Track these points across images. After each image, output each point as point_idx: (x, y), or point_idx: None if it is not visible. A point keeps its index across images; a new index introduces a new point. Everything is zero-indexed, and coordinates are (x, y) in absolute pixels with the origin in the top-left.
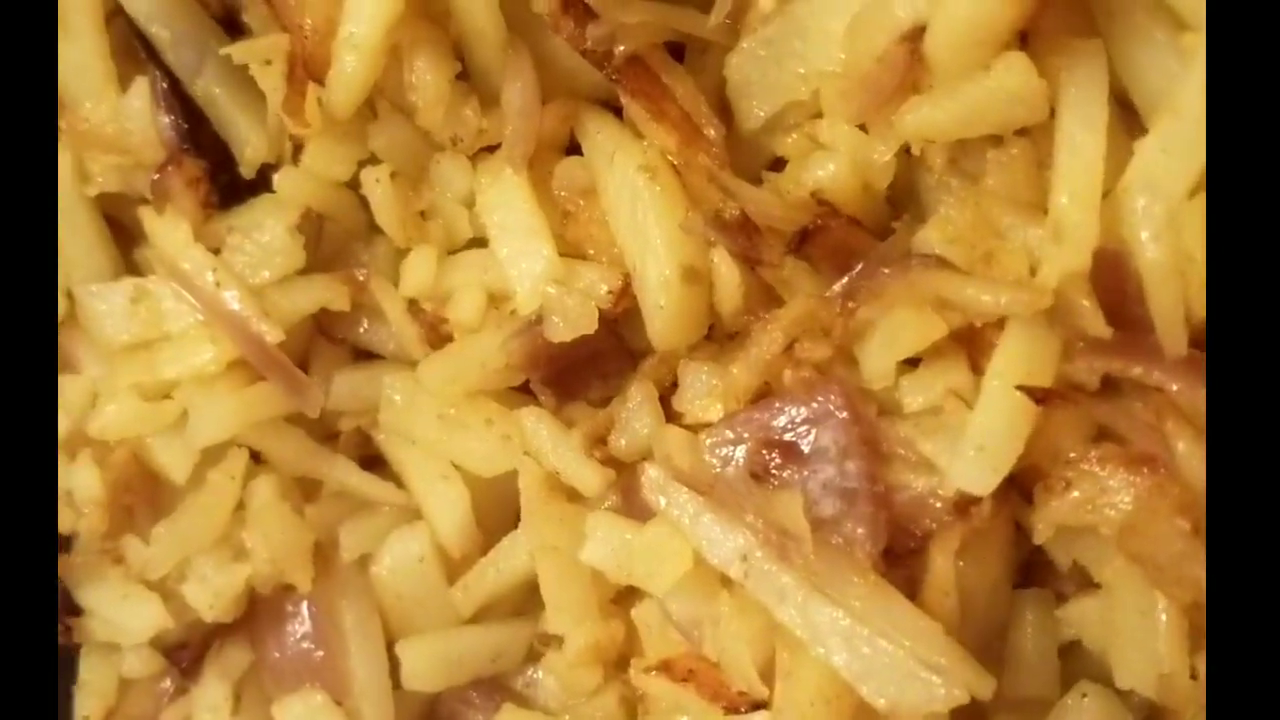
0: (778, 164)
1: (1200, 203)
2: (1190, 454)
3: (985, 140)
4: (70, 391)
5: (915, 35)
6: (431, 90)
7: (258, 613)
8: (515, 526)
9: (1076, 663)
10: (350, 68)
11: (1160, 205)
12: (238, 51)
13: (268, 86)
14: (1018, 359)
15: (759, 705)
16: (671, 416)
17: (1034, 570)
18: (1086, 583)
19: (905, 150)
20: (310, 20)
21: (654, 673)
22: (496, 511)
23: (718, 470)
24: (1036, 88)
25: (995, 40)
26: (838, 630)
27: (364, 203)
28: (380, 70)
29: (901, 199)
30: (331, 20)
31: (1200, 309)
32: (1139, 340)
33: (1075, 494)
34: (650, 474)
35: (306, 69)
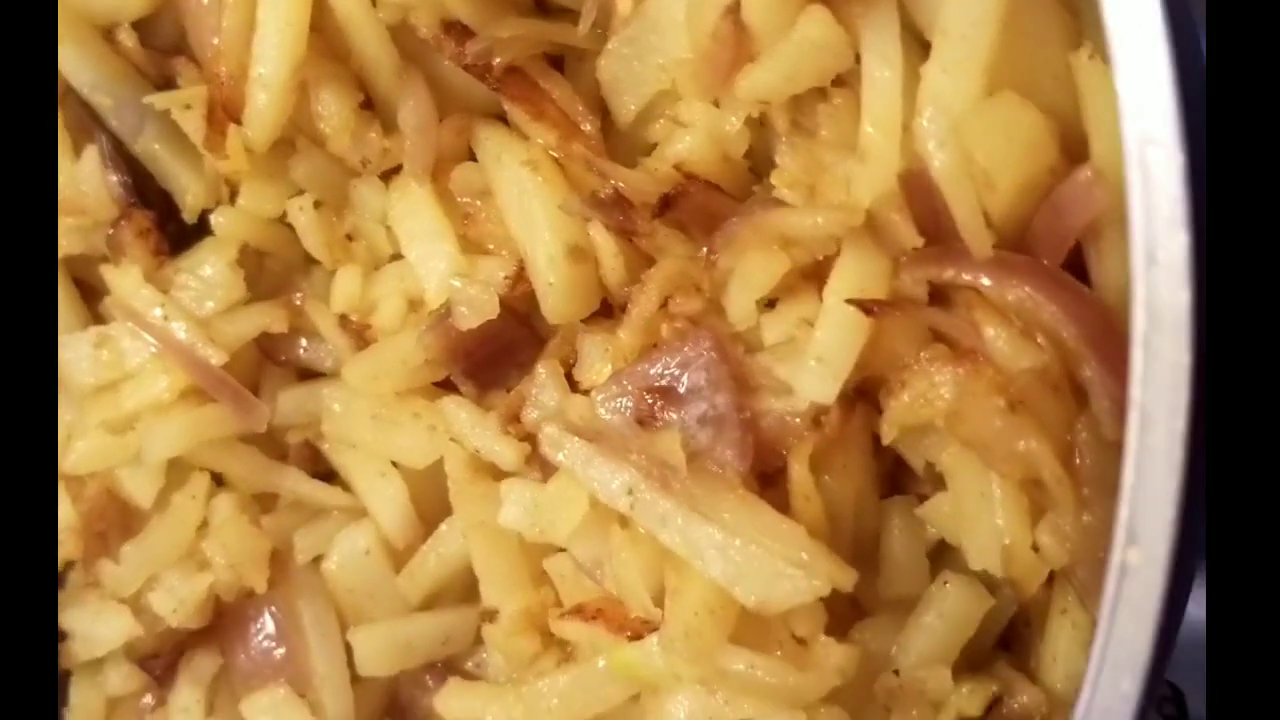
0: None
1: (980, 112)
2: (997, 337)
3: (814, 96)
4: None
5: (735, 8)
6: (337, 119)
7: (224, 620)
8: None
9: (945, 559)
10: (263, 105)
11: (943, 118)
12: (160, 100)
13: (190, 129)
14: (850, 277)
15: (656, 629)
16: (575, 387)
17: (897, 479)
18: (940, 483)
19: (760, 120)
20: (225, 67)
21: (569, 618)
22: (433, 501)
23: (608, 420)
24: (839, 36)
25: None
26: (713, 543)
27: (298, 236)
28: (291, 106)
29: (761, 165)
30: (243, 65)
31: (998, 212)
32: (952, 247)
33: (908, 393)
34: (546, 431)
35: (225, 110)
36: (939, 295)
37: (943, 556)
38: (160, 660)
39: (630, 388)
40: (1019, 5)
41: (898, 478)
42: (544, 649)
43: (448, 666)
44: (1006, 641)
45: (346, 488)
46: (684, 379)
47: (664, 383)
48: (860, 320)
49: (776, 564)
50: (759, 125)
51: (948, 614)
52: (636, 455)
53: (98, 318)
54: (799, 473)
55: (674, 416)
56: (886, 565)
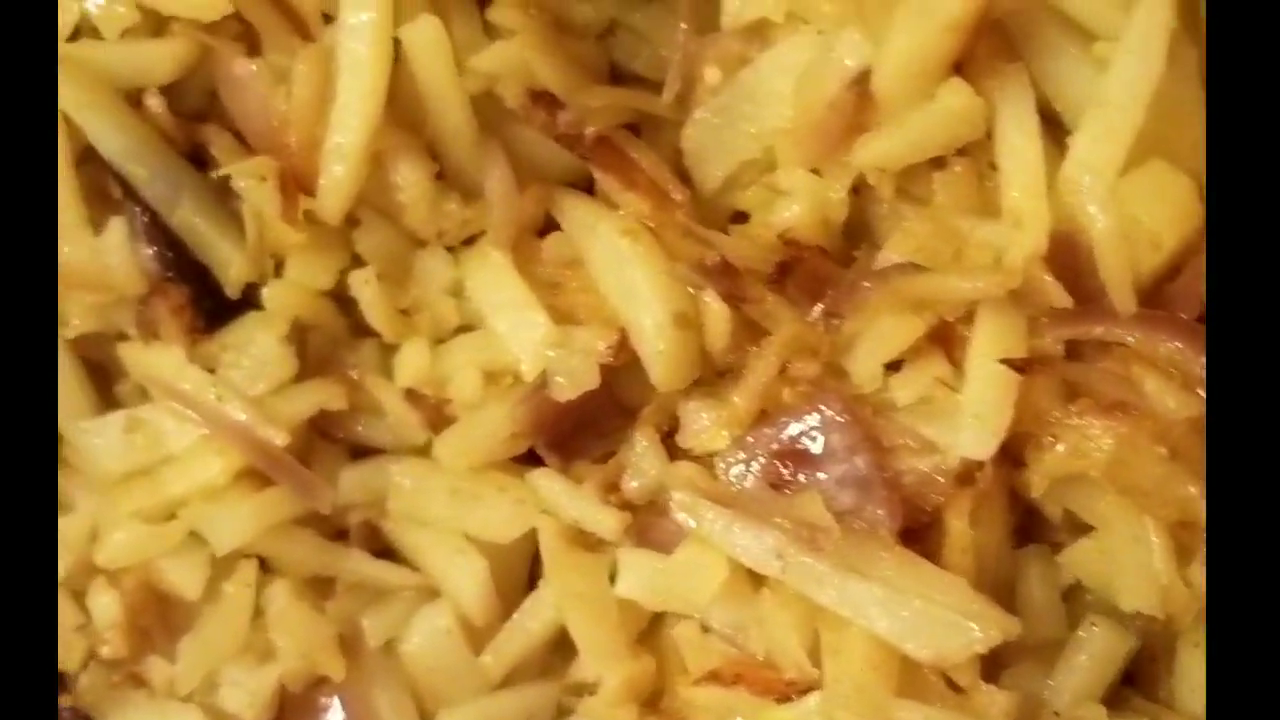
0: (736, 218)
1: (1131, 178)
2: (1157, 389)
3: (927, 165)
4: (66, 530)
5: (862, 79)
6: (416, 190)
7: (285, 712)
8: (525, 588)
9: (1078, 602)
10: (339, 176)
11: (1101, 183)
12: (236, 171)
13: (263, 202)
14: (994, 338)
15: (809, 689)
16: (676, 454)
17: (1028, 530)
18: (1077, 528)
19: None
20: (295, 138)
21: (704, 684)
22: (509, 577)
23: (737, 487)
24: (977, 107)
25: (937, 71)
26: (876, 601)
27: (344, 307)
28: (364, 177)
29: (854, 229)
30: (315, 135)
31: (1148, 271)
32: (1093, 306)
33: (1062, 447)
34: (678, 498)
35: (297, 182)
36: (1069, 348)
37: (1073, 598)
38: None
39: (757, 452)
40: (1168, 76)
41: (1025, 528)
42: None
43: None
44: (1129, 677)
45: (407, 564)
46: (817, 442)
47: (795, 446)
48: (1011, 378)
49: (946, 616)
50: (855, 191)
51: (1097, 654)
52: (779, 519)
53: (110, 400)
54: (957, 527)
55: (808, 479)
56: (1026, 611)
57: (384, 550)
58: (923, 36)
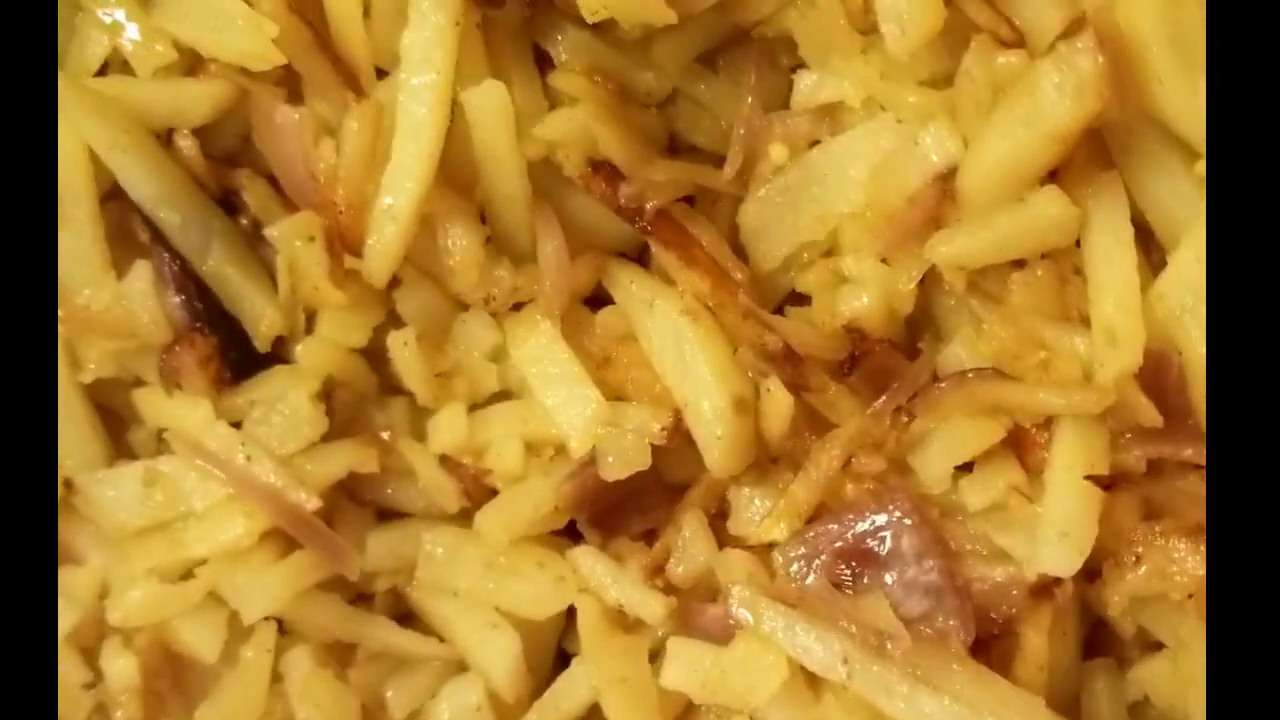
0: (790, 298)
1: None
2: None
3: (1005, 265)
4: (74, 583)
5: (947, 175)
6: (467, 255)
7: None
8: (554, 663)
9: (1142, 718)
10: (390, 237)
11: (1203, 305)
12: (281, 229)
13: (309, 260)
14: (1078, 451)
15: None
16: (723, 539)
17: (1093, 642)
18: (1149, 646)
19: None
20: (344, 194)
21: None
22: (539, 652)
23: (798, 584)
24: (1072, 216)
25: (1031, 177)
26: (948, 715)
27: (374, 366)
28: (412, 239)
29: (915, 319)
30: (364, 194)
31: None
32: (1181, 426)
33: (1145, 567)
34: (737, 593)
35: (343, 241)
36: (1152, 468)
37: (1137, 713)
38: None
39: (820, 549)
40: None
41: (1094, 639)
42: None
43: None
44: None
45: (432, 634)
46: (884, 543)
47: (861, 545)
48: (1095, 494)
49: None
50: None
51: None
52: (845, 622)
53: (123, 449)
54: (1035, 643)
55: (873, 581)
56: None
57: (405, 616)
58: (1023, 143)
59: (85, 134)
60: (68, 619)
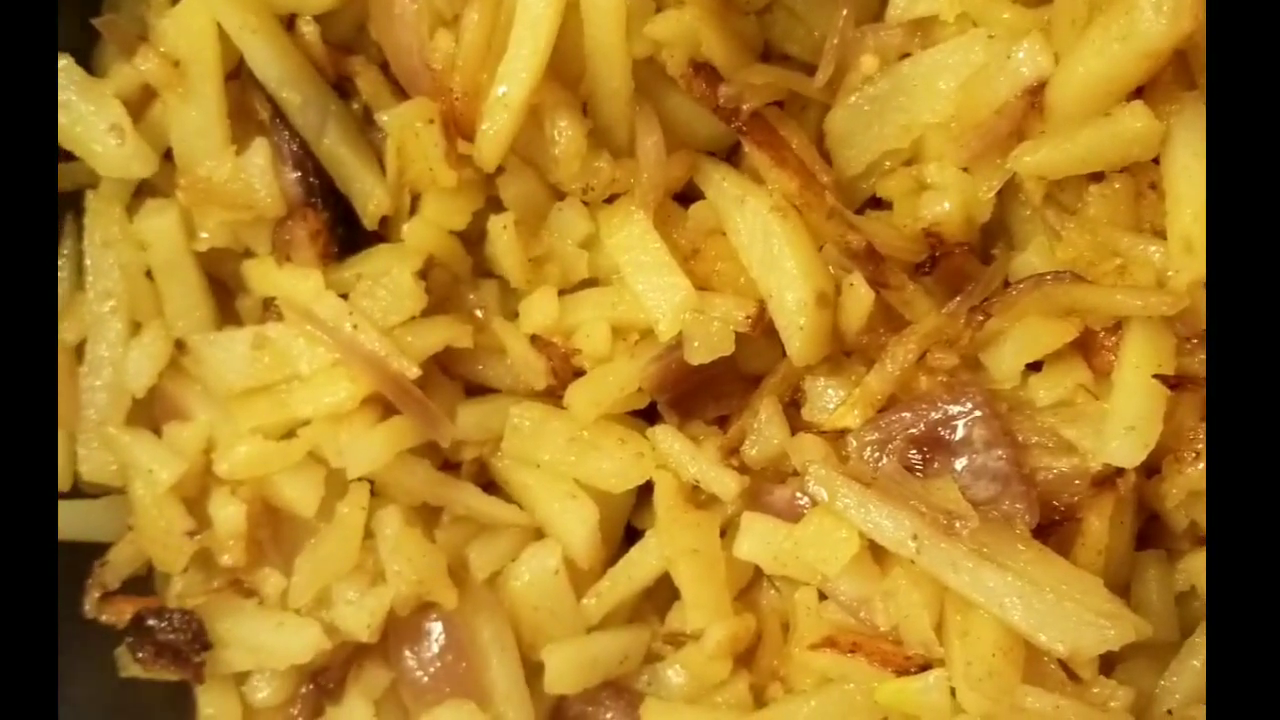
0: (871, 203)
1: None
2: None
3: (1083, 177)
4: (181, 438)
5: (1036, 89)
6: (572, 146)
7: (388, 634)
8: (624, 538)
9: (1188, 608)
10: (502, 125)
11: None
12: (399, 113)
13: (428, 144)
14: (1146, 352)
15: (926, 665)
16: (798, 426)
17: (1146, 535)
18: (1199, 539)
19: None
20: (460, 82)
21: (819, 649)
22: (612, 524)
23: (871, 465)
24: (1155, 130)
25: (1120, 92)
26: (1011, 590)
27: (469, 248)
28: (520, 128)
29: (990, 227)
30: (479, 83)
31: None
32: None
33: (1204, 463)
34: (814, 470)
35: (457, 127)
36: None
37: (1184, 604)
38: (331, 673)
39: (894, 435)
40: None
41: (1147, 532)
42: (733, 673)
43: (619, 685)
44: None
45: (514, 502)
46: (956, 432)
47: (934, 433)
48: (1162, 392)
49: (1081, 613)
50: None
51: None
52: (915, 501)
53: (230, 314)
54: (1096, 528)
55: (943, 467)
56: (1141, 612)
57: (489, 485)
58: (1116, 59)
59: (218, 14)
60: (174, 470)
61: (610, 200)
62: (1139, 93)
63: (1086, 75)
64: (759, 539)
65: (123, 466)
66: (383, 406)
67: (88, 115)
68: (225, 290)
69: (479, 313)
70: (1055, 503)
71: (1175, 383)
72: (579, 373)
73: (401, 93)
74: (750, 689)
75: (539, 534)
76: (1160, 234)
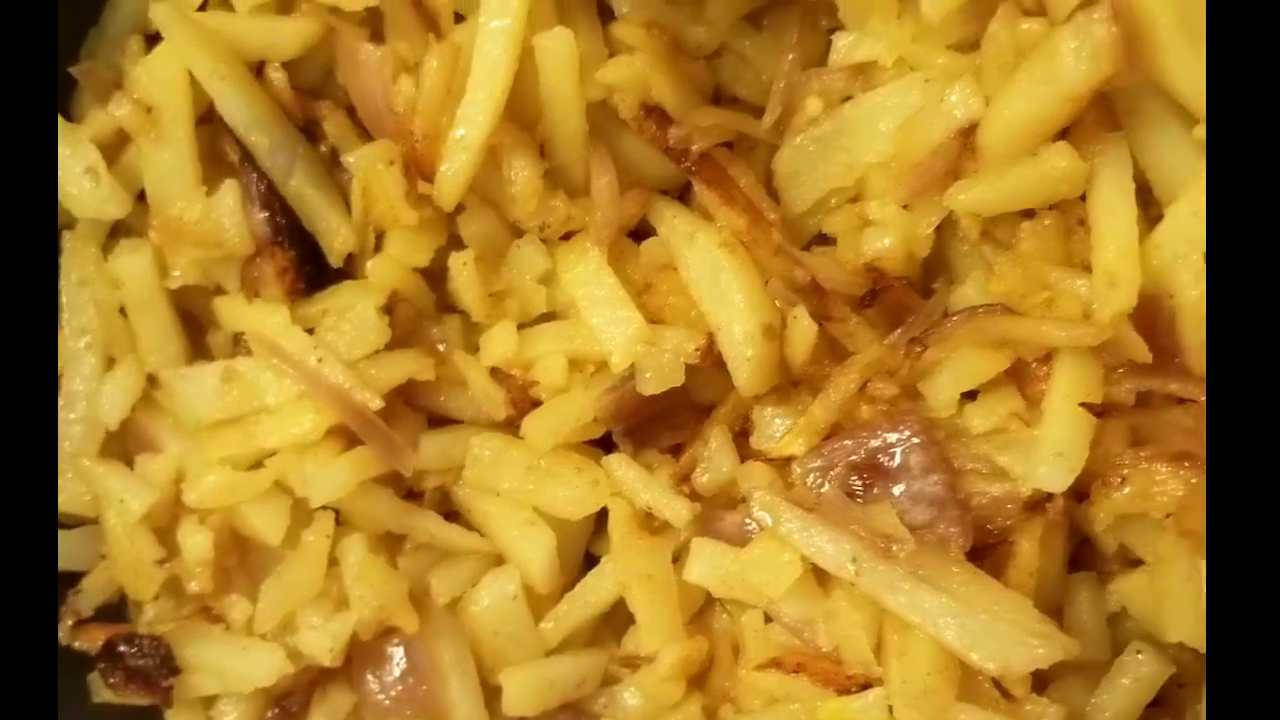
0: (818, 238)
1: None
2: None
3: (1016, 214)
4: (153, 469)
5: (969, 130)
6: (528, 185)
7: (351, 658)
8: (582, 564)
9: (1119, 628)
10: (460, 166)
11: (1196, 255)
12: (362, 155)
13: (387, 183)
14: (1074, 382)
15: (868, 684)
16: (747, 454)
17: (1078, 557)
18: (1128, 561)
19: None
20: (421, 125)
21: (764, 670)
22: (570, 551)
23: (814, 492)
24: (1080, 170)
25: (1046, 133)
26: (945, 610)
27: (433, 285)
28: (479, 168)
29: (931, 262)
30: (439, 125)
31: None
32: (1168, 364)
33: (1129, 488)
34: (758, 496)
35: (419, 168)
36: (1141, 401)
37: (1116, 625)
38: (296, 697)
39: (836, 462)
40: None
41: (1079, 555)
42: (685, 695)
43: (577, 707)
44: (1157, 700)
45: (475, 530)
46: (895, 458)
47: (874, 460)
48: (1089, 420)
49: (1013, 633)
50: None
51: (1142, 678)
52: (855, 526)
53: (201, 349)
54: (1027, 550)
55: (882, 492)
56: (1073, 632)
57: (450, 513)
58: (1041, 102)
59: (189, 61)
60: (145, 500)
61: (567, 237)
62: (1065, 134)
63: (1014, 117)
64: (708, 563)
65: (96, 497)
66: (347, 437)
67: (65, 159)
68: (196, 326)
69: (441, 346)
70: (989, 526)
71: (1102, 411)
72: (537, 404)
73: (368, 135)
74: (703, 710)
75: (499, 560)
76: (1088, 268)
